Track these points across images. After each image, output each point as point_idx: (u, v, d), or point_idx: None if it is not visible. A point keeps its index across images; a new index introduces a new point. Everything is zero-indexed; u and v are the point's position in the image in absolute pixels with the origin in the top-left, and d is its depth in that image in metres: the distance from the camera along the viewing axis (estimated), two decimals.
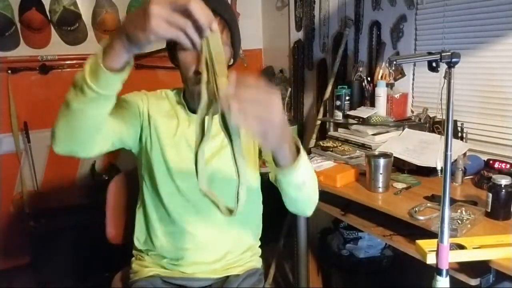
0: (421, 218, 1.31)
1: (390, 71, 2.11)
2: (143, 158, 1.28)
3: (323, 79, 2.63)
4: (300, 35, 2.82)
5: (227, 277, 1.30)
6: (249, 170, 1.28)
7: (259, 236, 1.41)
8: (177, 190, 1.25)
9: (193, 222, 1.26)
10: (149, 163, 1.26)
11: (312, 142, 2.34)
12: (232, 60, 1.25)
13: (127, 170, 1.62)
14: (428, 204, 1.40)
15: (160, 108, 1.27)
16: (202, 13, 0.71)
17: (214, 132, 1.20)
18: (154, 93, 1.32)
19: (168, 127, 1.25)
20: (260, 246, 1.43)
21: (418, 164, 1.64)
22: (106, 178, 2.44)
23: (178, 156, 1.23)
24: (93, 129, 0.96)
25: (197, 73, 1.11)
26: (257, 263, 1.40)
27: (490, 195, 1.31)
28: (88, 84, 0.83)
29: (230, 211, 0.84)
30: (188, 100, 1.27)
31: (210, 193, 0.84)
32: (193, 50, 0.78)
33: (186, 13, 0.70)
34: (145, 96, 1.28)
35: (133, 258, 1.38)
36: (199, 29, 0.72)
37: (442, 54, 0.93)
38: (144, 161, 1.28)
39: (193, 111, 1.24)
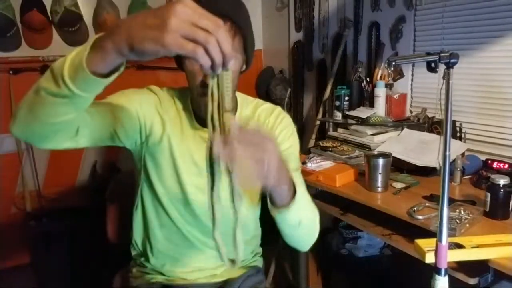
0: (420, 217, 1.31)
1: (389, 71, 2.12)
2: (148, 163, 1.19)
3: (322, 79, 2.64)
4: (299, 35, 2.82)
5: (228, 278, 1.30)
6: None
7: (259, 236, 1.41)
8: (184, 200, 1.19)
9: (194, 230, 1.23)
10: (158, 169, 1.18)
11: (312, 142, 2.35)
12: (244, 67, 1.15)
13: (128, 170, 1.62)
14: (427, 204, 1.40)
15: (169, 112, 1.17)
16: (228, 48, 0.64)
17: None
18: (163, 94, 1.20)
19: (175, 135, 1.17)
20: (260, 245, 1.43)
21: (417, 164, 1.65)
22: (107, 178, 2.45)
23: (182, 170, 1.16)
24: (58, 125, 0.83)
25: (204, 84, 1.02)
26: (258, 262, 1.40)
27: (489, 194, 1.31)
28: (64, 80, 0.72)
29: (232, 261, 0.82)
30: (195, 107, 1.17)
31: (220, 240, 0.81)
32: (209, 74, 0.69)
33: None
34: (152, 95, 1.17)
35: (133, 262, 1.35)
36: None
37: (441, 54, 0.93)
38: (149, 165, 1.19)
39: (199, 120, 1.16)
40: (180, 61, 1.11)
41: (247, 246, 1.33)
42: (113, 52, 0.68)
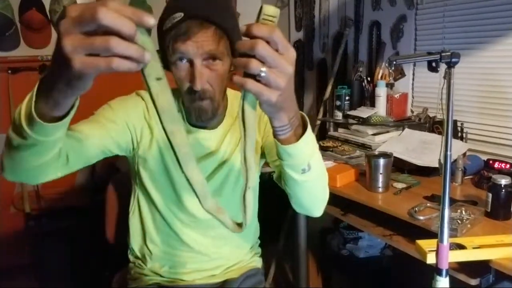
0: (421, 218, 1.31)
1: (390, 71, 2.11)
2: (141, 169, 1.20)
3: (323, 79, 2.63)
4: (300, 35, 2.82)
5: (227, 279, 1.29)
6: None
7: (258, 235, 1.41)
8: (178, 202, 1.20)
9: (192, 231, 1.23)
10: (151, 174, 1.19)
11: None
12: (233, 67, 1.12)
13: (127, 170, 1.61)
14: (428, 204, 1.40)
15: (155, 112, 1.17)
16: (119, 20, 0.49)
17: (213, 147, 1.19)
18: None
19: (163, 138, 1.15)
20: (260, 246, 1.42)
21: (418, 164, 1.64)
22: (106, 178, 2.44)
23: (174, 172, 1.17)
24: (44, 164, 0.82)
25: (191, 90, 1.03)
26: (258, 263, 1.39)
27: (490, 195, 1.31)
28: (25, 130, 0.68)
29: (239, 225, 0.74)
30: (186, 110, 1.16)
31: (215, 210, 0.72)
32: (139, 71, 0.56)
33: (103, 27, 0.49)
34: (140, 101, 1.17)
35: (131, 264, 1.34)
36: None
37: (442, 54, 0.92)
38: (142, 171, 1.20)
39: (190, 120, 1.16)
40: (165, 63, 1.08)
41: (247, 234, 1.32)
42: (55, 90, 0.60)
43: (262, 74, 0.58)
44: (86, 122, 1.07)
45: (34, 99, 0.63)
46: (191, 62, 1.02)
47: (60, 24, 0.52)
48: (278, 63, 0.59)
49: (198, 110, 1.08)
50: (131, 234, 1.30)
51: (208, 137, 1.18)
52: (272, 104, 0.63)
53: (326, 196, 0.98)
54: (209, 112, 1.09)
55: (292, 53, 0.61)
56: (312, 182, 0.88)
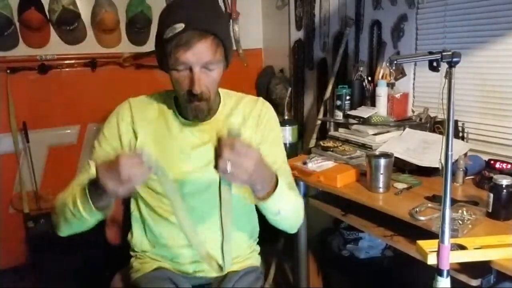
0: (422, 218, 1.30)
1: (391, 70, 2.11)
2: None
3: (323, 78, 2.63)
4: (300, 34, 2.81)
5: (226, 274, 1.31)
6: None
7: (257, 231, 1.42)
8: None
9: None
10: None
11: (313, 142, 2.34)
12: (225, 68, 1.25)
13: None
14: (429, 205, 1.39)
15: (146, 115, 1.28)
16: (132, 173, 0.94)
17: (207, 138, 1.27)
18: (139, 100, 1.32)
19: (157, 135, 1.27)
20: (258, 243, 1.44)
21: (419, 164, 1.63)
22: None
23: (171, 162, 1.24)
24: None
25: (190, 93, 1.14)
26: (256, 261, 1.41)
27: (491, 195, 1.30)
28: (81, 214, 1.07)
29: (220, 268, 1.05)
30: (181, 108, 1.26)
31: (207, 256, 1.07)
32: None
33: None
34: (126, 111, 1.28)
35: (133, 258, 1.38)
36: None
37: (443, 53, 0.92)
38: None
39: (183, 115, 1.26)
40: (162, 65, 1.20)
41: (244, 227, 1.37)
42: (102, 193, 1.00)
43: (228, 171, 0.91)
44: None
45: (89, 197, 1.04)
46: (190, 68, 1.12)
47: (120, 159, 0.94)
48: (239, 163, 0.91)
49: (195, 110, 1.18)
50: (134, 232, 1.36)
51: (202, 129, 1.27)
52: (243, 184, 0.97)
53: (299, 221, 1.27)
54: (205, 111, 1.20)
55: (251, 154, 0.93)
56: (283, 219, 1.17)
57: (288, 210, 1.17)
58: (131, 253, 1.39)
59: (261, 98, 1.38)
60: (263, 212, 1.14)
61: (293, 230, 1.28)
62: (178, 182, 1.25)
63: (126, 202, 1.50)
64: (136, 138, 1.26)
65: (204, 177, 1.26)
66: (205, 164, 1.25)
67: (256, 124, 1.31)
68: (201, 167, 1.26)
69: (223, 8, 2.88)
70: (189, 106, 1.17)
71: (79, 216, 1.08)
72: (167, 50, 1.11)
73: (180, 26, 1.08)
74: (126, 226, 1.51)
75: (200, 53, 1.10)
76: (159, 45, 1.15)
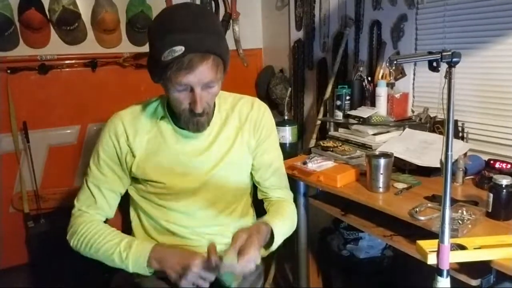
0: (422, 218, 1.30)
1: (391, 70, 2.11)
2: (132, 181, 1.35)
3: (323, 78, 2.63)
4: (300, 34, 2.81)
5: None
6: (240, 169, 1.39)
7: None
8: (174, 205, 1.30)
9: (190, 229, 1.31)
10: (143, 183, 1.30)
11: (312, 142, 2.34)
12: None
13: None
14: (429, 204, 1.39)
15: (138, 128, 1.27)
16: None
17: (208, 143, 1.29)
18: (129, 112, 1.30)
19: (152, 147, 1.27)
20: None
21: (419, 164, 1.63)
22: None
23: (171, 175, 1.26)
24: None
25: (192, 111, 1.16)
26: None
27: (491, 195, 1.30)
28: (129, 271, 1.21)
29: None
30: (175, 115, 1.26)
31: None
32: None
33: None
34: (119, 127, 1.27)
35: None
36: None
37: (443, 53, 0.92)
38: (133, 182, 1.35)
39: (177, 123, 1.27)
40: (155, 79, 1.19)
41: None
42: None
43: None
44: (98, 194, 1.33)
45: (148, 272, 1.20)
46: (191, 88, 1.12)
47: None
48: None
49: (197, 124, 1.20)
50: (134, 234, 1.38)
51: (199, 135, 1.28)
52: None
53: (295, 226, 1.42)
54: (205, 124, 1.22)
55: (247, 256, 1.07)
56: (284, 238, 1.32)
57: (286, 234, 1.33)
58: None
59: (257, 100, 1.39)
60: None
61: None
62: (181, 196, 1.27)
63: (124, 210, 1.51)
64: (133, 155, 1.26)
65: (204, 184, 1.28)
66: (205, 172, 1.27)
67: (253, 128, 1.33)
68: (201, 175, 1.27)
69: (223, 9, 2.88)
70: (190, 121, 1.19)
71: (122, 267, 1.21)
72: (166, 73, 1.09)
73: (179, 49, 1.05)
74: (126, 225, 1.51)
75: (201, 74, 1.09)
76: (155, 65, 1.12)
